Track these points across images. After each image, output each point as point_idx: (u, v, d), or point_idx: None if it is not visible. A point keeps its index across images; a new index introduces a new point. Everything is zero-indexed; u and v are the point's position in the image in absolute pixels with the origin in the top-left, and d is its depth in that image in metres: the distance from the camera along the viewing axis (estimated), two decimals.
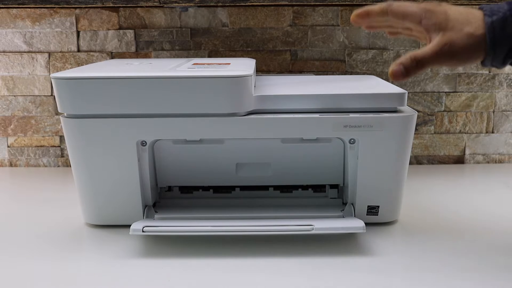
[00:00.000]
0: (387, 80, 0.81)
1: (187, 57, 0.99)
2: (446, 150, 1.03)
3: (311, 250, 0.64)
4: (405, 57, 0.57)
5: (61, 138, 1.02)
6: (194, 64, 0.74)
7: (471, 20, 0.55)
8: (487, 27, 0.54)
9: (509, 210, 0.78)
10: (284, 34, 0.99)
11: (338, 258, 0.62)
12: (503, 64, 0.56)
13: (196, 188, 0.75)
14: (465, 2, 0.95)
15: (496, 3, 0.56)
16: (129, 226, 0.64)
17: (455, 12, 0.57)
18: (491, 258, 0.61)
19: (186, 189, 0.75)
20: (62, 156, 1.03)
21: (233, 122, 0.64)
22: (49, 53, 0.99)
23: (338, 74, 0.99)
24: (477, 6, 0.57)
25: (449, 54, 0.56)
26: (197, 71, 0.64)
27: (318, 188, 0.75)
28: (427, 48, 0.56)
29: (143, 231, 0.63)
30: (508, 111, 1.02)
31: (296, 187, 0.75)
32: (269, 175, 0.73)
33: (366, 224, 0.65)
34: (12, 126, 1.01)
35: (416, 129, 0.94)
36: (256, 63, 0.81)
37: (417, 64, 0.56)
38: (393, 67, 0.57)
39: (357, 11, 0.61)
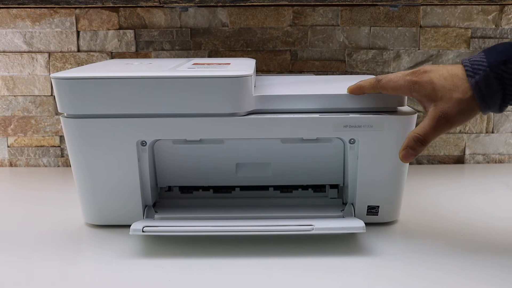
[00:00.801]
0: None
1: (187, 57, 0.99)
2: (446, 150, 1.03)
3: (311, 250, 0.64)
4: (409, 139, 0.60)
5: (61, 138, 1.02)
6: (194, 64, 0.74)
7: (457, 84, 0.57)
8: (473, 88, 0.56)
9: (509, 210, 0.78)
10: (284, 34, 0.99)
11: (338, 258, 0.62)
12: (500, 111, 0.58)
13: (196, 188, 0.75)
14: (465, 2, 0.95)
15: (474, 55, 0.58)
16: (129, 226, 0.64)
17: (440, 78, 0.58)
18: (491, 258, 0.61)
19: (186, 189, 0.75)
20: (62, 156, 1.03)
21: (233, 122, 0.64)
22: (49, 53, 0.99)
23: (338, 74, 0.99)
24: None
25: (447, 124, 0.58)
26: (197, 71, 0.64)
27: (318, 188, 0.75)
28: (425, 125, 0.59)
29: (143, 231, 0.63)
30: (508, 111, 1.02)
31: (296, 187, 0.75)
32: (269, 175, 0.73)
33: (366, 224, 0.65)
34: (12, 126, 1.01)
35: None
36: (256, 63, 0.81)
37: (422, 143, 0.59)
38: (401, 152, 0.61)
39: (351, 87, 0.65)
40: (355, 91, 0.65)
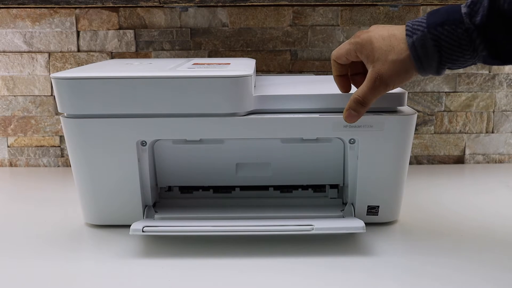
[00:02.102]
0: None
1: (187, 57, 0.99)
2: (446, 150, 1.03)
3: (311, 250, 0.64)
4: (350, 100, 0.60)
5: (61, 138, 1.02)
6: (194, 64, 0.74)
7: (393, 45, 0.57)
8: (409, 47, 0.56)
9: (509, 210, 0.78)
10: (284, 34, 0.99)
11: (338, 258, 0.62)
12: (437, 73, 0.57)
13: (196, 188, 0.75)
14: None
15: (420, 17, 0.57)
16: (129, 226, 0.64)
17: (379, 38, 0.58)
18: (491, 258, 0.61)
19: (186, 189, 0.75)
20: (62, 156, 1.03)
21: (233, 122, 0.64)
22: (49, 53, 0.99)
23: None
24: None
25: (383, 85, 0.58)
26: (197, 71, 0.64)
27: (318, 188, 0.75)
28: (363, 87, 0.59)
29: (143, 231, 0.63)
30: (508, 111, 1.02)
31: (296, 187, 0.75)
32: (269, 175, 0.73)
33: (366, 224, 0.65)
34: (12, 126, 1.01)
35: (416, 129, 0.94)
36: (256, 63, 0.81)
37: (362, 104, 0.59)
38: (344, 113, 0.61)
39: (337, 84, 0.65)
40: (339, 81, 0.65)
